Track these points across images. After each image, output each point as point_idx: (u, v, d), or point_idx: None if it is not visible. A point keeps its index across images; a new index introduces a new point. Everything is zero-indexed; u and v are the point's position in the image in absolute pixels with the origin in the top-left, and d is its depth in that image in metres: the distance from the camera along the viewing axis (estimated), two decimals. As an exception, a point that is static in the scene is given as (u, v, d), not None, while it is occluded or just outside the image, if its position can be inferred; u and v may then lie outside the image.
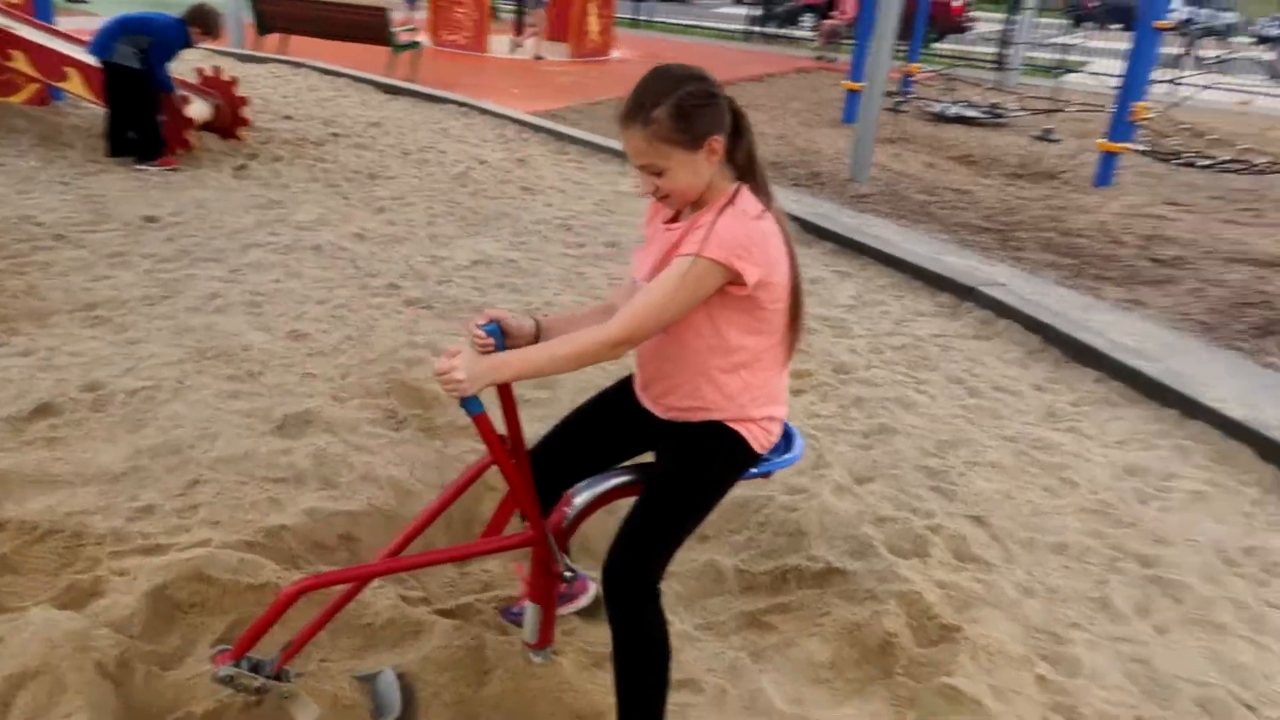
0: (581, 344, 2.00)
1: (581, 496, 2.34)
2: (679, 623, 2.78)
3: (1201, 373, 4.71)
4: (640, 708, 2.10)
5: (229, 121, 7.88)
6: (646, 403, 2.30)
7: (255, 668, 2.15)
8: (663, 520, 2.11)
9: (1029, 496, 3.55)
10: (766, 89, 14.86)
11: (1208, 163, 9.95)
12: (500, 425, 2.20)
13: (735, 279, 1.99)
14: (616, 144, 9.36)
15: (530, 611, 2.43)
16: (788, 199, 7.55)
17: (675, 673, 2.28)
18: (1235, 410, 4.19)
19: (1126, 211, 8.44)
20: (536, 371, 2.02)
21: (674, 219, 2.18)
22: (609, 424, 2.40)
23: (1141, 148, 10.18)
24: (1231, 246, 7.44)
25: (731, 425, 2.19)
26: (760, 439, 2.23)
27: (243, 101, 7.88)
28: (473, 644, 2.50)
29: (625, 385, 2.45)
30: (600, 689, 2.44)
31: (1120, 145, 9.46)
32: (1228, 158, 10.00)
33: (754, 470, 2.27)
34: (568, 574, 2.29)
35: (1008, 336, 5.19)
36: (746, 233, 2.00)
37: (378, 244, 5.78)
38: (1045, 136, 11.83)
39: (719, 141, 2.03)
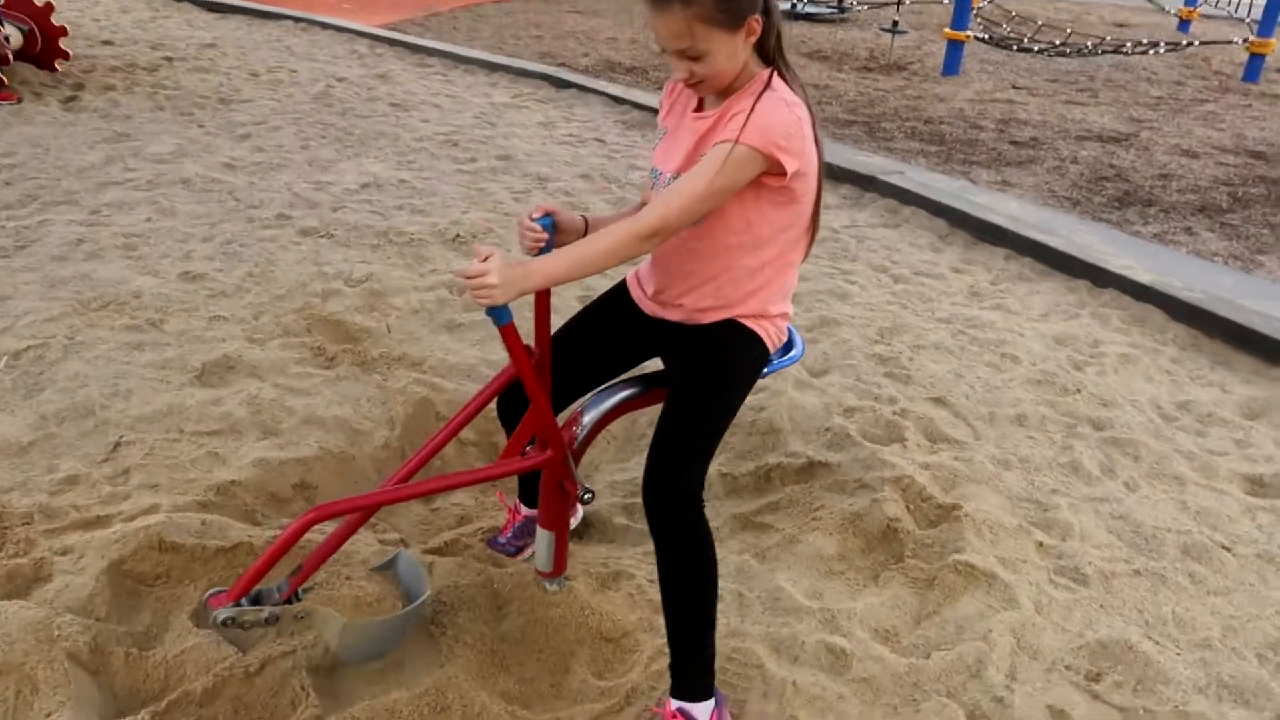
0: (614, 238, 1.84)
1: (590, 414, 2.21)
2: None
3: (1093, 243, 4.91)
4: (694, 620, 1.97)
5: (46, 50, 7.04)
6: (655, 308, 2.17)
7: (256, 600, 1.98)
8: (697, 426, 2.00)
9: (978, 374, 3.62)
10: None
11: (1041, 47, 10.34)
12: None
13: (774, 168, 1.87)
14: (480, 54, 8.97)
15: (543, 539, 2.30)
16: (644, 100, 7.39)
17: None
18: (1142, 276, 4.39)
19: (978, 98, 8.69)
20: (568, 275, 1.85)
21: (699, 106, 2.03)
22: (609, 334, 2.26)
23: (983, 36, 10.47)
24: (1078, 125, 7.79)
25: (749, 324, 2.09)
26: (774, 337, 2.14)
27: (61, 31, 7.04)
28: (480, 580, 2.36)
29: (620, 293, 2.30)
30: (619, 606, 2.35)
31: (964, 34, 9.67)
32: (1059, 42, 10.41)
33: (765, 370, 2.19)
34: (586, 495, 2.17)
35: (915, 223, 5.26)
36: (785, 120, 1.87)
37: (253, 173, 5.32)
38: (892, 29, 12.01)
39: (759, 21, 1.87)
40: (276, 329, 3.60)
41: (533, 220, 2.02)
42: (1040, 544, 2.63)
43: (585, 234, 2.08)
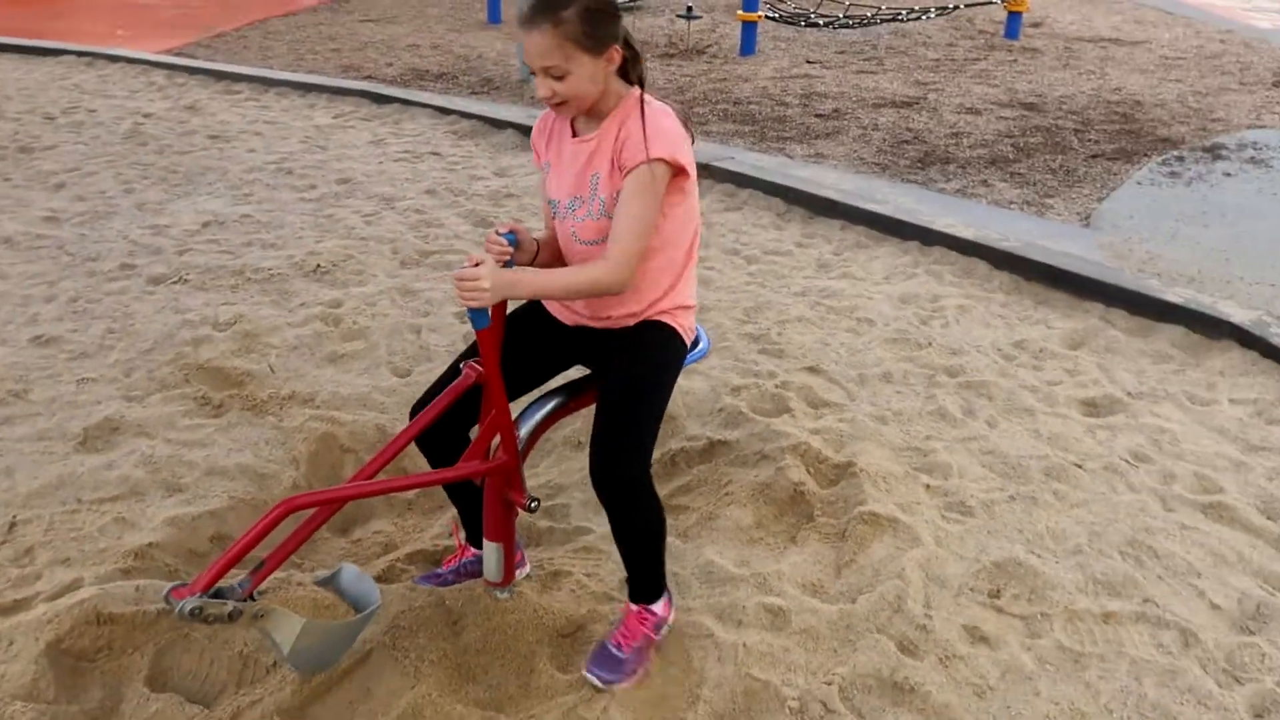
0: (592, 278, 2.09)
1: (526, 425, 2.32)
2: (597, 528, 2.85)
3: (915, 206, 5.35)
4: (649, 571, 2.31)
5: None
6: (578, 320, 2.31)
7: (218, 595, 1.96)
8: (636, 415, 2.16)
9: (840, 340, 3.93)
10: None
11: (826, 21, 10.98)
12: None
13: (679, 172, 2.08)
14: (291, 76, 8.71)
15: (491, 551, 2.39)
16: (470, 108, 7.44)
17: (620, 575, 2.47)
18: (965, 232, 4.83)
19: (778, 75, 9.16)
20: (549, 294, 2.19)
21: (575, 133, 2.20)
22: (532, 347, 2.38)
23: (772, 14, 11.02)
24: (872, 94, 8.36)
25: (666, 319, 2.27)
26: (687, 329, 2.33)
27: None
28: (431, 600, 2.43)
29: (534, 309, 2.42)
30: (567, 603, 2.48)
31: (756, 15, 10.14)
32: (841, 15, 11.09)
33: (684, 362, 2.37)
34: (533, 503, 2.28)
35: (754, 204, 5.57)
36: (673, 127, 2.10)
37: (79, 224, 5.06)
38: (687, 15, 12.40)
39: (619, 52, 2.08)
40: (152, 384, 3.50)
41: (499, 234, 2.17)
42: (927, 486, 2.93)
43: (536, 254, 2.26)
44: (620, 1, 9.99)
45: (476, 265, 1.96)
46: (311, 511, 2.12)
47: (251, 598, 2.02)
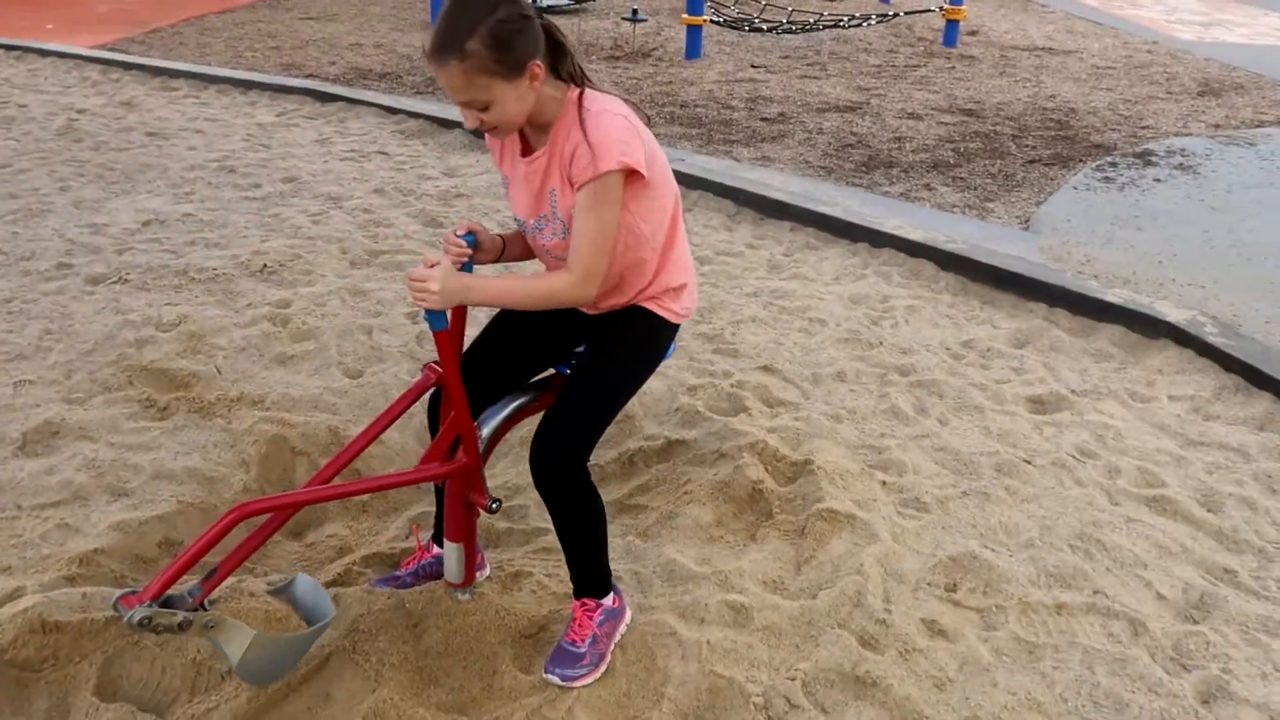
0: (550, 290, 2.05)
1: (488, 425, 2.30)
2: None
3: (862, 209, 5.43)
4: (589, 550, 2.29)
5: None
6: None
7: (168, 604, 1.92)
8: (580, 405, 2.15)
9: (794, 340, 3.96)
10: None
11: (770, 26, 11.09)
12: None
13: (633, 175, 2.02)
14: (231, 73, 8.54)
15: (452, 551, 2.36)
16: (416, 107, 7.37)
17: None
18: (913, 234, 4.91)
19: (724, 79, 9.22)
20: (503, 303, 2.11)
21: (526, 149, 2.15)
22: (529, 335, 2.35)
23: (717, 19, 11.10)
24: (816, 98, 8.46)
25: (649, 305, 2.24)
26: (675, 308, 2.27)
27: None
28: (391, 603, 2.39)
29: None
30: (528, 604, 2.47)
31: (701, 18, 10.20)
32: (785, 20, 11.21)
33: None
34: (494, 504, 2.26)
35: (705, 205, 5.60)
36: (619, 129, 1.98)
37: (11, 222, 4.90)
38: (633, 17, 12.43)
39: (540, 66, 1.96)
40: (94, 386, 3.40)
41: (458, 236, 2.14)
42: (884, 483, 2.97)
43: (503, 250, 2.24)
44: (565, 4, 9.98)
45: (432, 267, 1.92)
46: (266, 517, 2.08)
47: (203, 606, 1.99)
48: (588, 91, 2.06)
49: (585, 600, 2.31)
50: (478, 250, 2.22)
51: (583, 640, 2.26)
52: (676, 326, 2.31)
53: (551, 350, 2.37)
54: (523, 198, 2.16)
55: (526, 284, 2.09)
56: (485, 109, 1.95)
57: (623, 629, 2.36)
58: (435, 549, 2.54)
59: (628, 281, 2.19)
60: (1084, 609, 2.49)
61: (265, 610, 2.30)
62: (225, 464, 3.05)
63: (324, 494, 2.20)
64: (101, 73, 8.55)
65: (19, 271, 4.30)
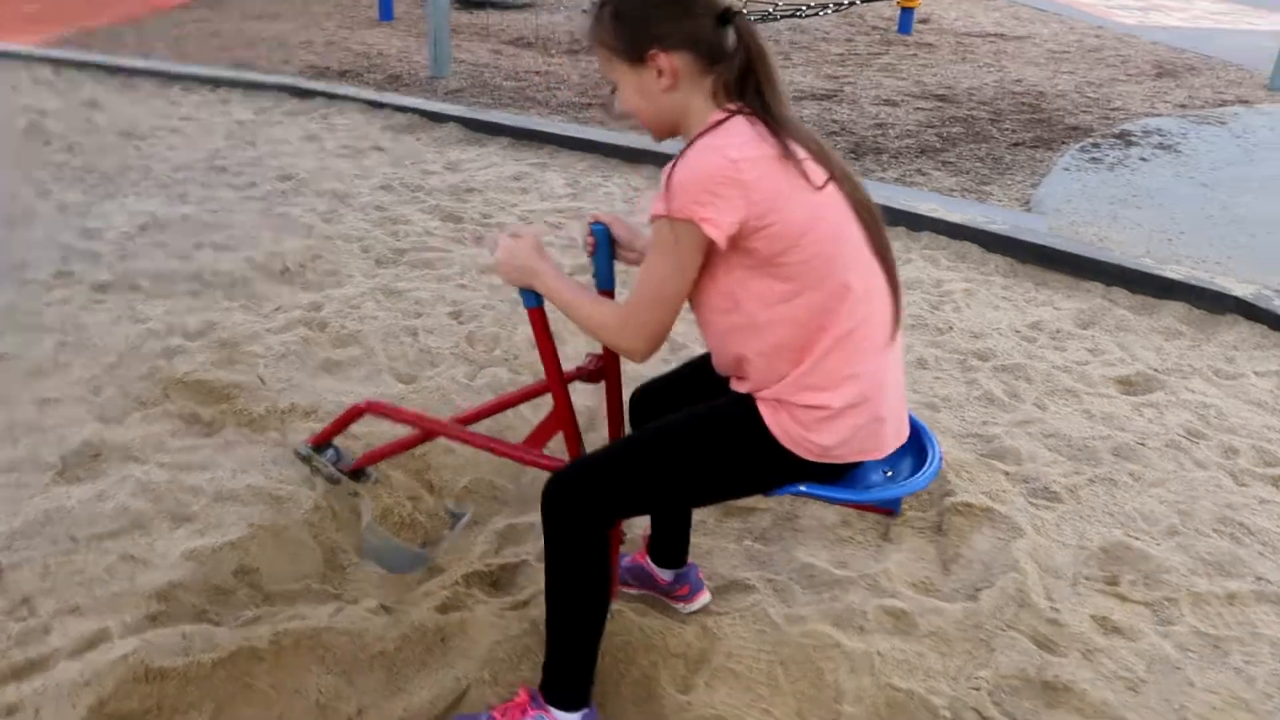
0: (594, 317, 1.74)
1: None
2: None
3: (888, 192, 5.30)
4: (561, 625, 1.84)
5: None
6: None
7: (337, 455, 2.61)
8: (624, 456, 1.81)
9: (861, 327, 3.79)
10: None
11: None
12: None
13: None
14: (199, 70, 8.09)
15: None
16: (404, 101, 7.05)
17: (725, 575, 2.36)
18: (951, 215, 4.78)
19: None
20: (557, 306, 1.82)
21: None
22: (695, 388, 2.00)
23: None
24: (790, 87, 8.28)
25: (760, 405, 1.71)
26: (792, 432, 1.68)
27: None
28: (524, 627, 2.17)
29: None
30: (690, 626, 2.25)
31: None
32: (742, 9, 11.10)
33: (808, 489, 1.75)
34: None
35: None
36: (709, 171, 1.54)
37: (-5, 229, 4.52)
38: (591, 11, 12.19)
39: (668, 60, 1.62)
40: (128, 402, 3.10)
41: (590, 224, 1.98)
42: (1006, 473, 2.81)
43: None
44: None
45: (513, 237, 1.84)
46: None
47: (356, 475, 2.59)
48: (735, 119, 1.62)
49: (538, 694, 1.87)
50: (617, 245, 1.99)
51: None
52: (791, 458, 1.69)
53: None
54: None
55: (578, 299, 1.76)
56: (615, 91, 1.75)
57: None
58: (648, 563, 2.34)
59: (741, 366, 1.75)
60: (1254, 597, 2.35)
61: (385, 507, 2.60)
62: (289, 481, 2.77)
63: (445, 429, 2.28)
64: (54, 72, 8.05)
65: (16, 281, 3.94)
